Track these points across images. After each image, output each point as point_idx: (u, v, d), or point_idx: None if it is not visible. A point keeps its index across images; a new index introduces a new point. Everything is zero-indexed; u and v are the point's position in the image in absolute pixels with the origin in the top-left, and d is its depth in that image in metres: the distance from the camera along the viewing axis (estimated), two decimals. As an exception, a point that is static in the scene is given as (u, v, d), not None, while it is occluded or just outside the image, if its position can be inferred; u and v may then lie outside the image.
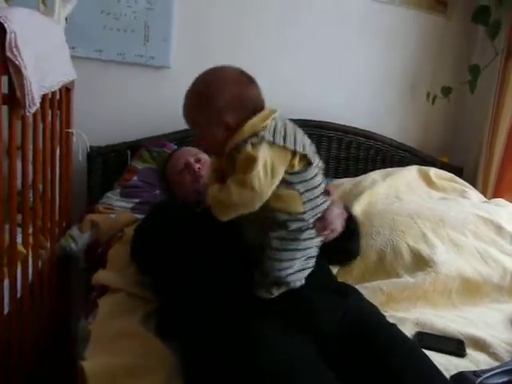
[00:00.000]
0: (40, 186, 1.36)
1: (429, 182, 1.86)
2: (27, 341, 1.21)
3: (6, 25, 0.86)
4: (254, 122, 0.87)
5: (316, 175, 0.95)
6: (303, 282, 0.98)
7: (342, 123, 1.98)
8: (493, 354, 1.17)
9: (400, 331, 1.00)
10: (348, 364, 0.87)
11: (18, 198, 1.29)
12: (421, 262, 1.45)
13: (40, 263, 1.32)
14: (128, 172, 1.64)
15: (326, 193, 0.99)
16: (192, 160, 1.47)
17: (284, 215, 0.92)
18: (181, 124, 1.82)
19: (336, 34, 2.01)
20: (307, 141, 0.95)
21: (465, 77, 2.03)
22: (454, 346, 1.20)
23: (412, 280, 1.41)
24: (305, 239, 0.96)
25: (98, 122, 1.73)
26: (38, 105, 1.00)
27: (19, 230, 1.26)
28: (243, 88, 0.90)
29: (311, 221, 0.95)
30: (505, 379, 1.07)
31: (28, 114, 0.96)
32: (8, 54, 0.88)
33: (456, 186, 1.86)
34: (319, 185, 0.96)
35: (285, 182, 0.90)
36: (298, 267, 0.97)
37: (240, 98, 0.88)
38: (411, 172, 1.87)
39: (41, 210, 1.33)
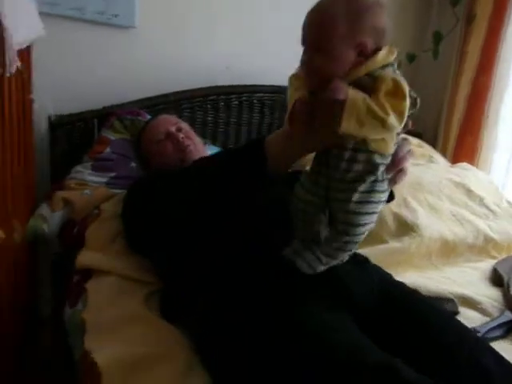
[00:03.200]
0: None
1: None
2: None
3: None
4: (386, 52, 0.80)
5: None
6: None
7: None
8: (482, 310, 1.26)
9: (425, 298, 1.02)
10: (392, 338, 0.87)
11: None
12: (405, 227, 1.50)
13: None
14: (99, 143, 1.50)
15: (405, 127, 0.84)
16: (173, 129, 1.38)
17: (379, 158, 0.82)
18: (151, 90, 1.73)
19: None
20: None
21: (425, 44, 2.06)
22: (450, 305, 1.26)
23: (399, 244, 1.45)
24: (381, 191, 0.84)
25: (59, 87, 1.54)
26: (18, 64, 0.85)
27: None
28: (385, 16, 0.82)
29: None
30: (498, 333, 1.16)
31: (8, 74, 0.81)
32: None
33: (424, 152, 1.92)
34: None
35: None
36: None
37: (384, 25, 0.81)
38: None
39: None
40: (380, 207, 0.85)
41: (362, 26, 0.80)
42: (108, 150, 1.48)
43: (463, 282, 1.39)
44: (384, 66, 0.79)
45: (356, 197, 0.82)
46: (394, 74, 0.79)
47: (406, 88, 0.76)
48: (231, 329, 0.88)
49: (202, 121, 1.76)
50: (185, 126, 1.44)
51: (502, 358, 0.87)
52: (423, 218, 1.53)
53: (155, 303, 1.09)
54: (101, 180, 1.44)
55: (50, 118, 1.49)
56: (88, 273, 1.21)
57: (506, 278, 1.37)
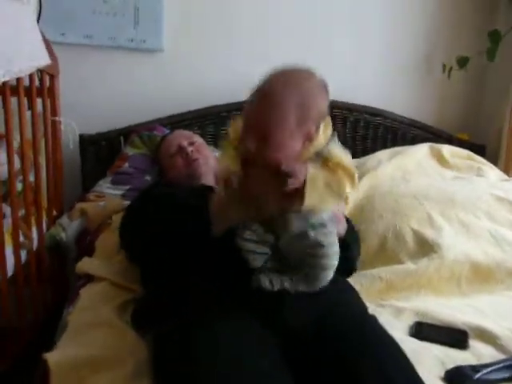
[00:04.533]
0: (30, 175, 1.35)
1: (442, 160, 1.72)
2: (8, 332, 1.20)
3: None
4: (324, 128, 0.86)
5: None
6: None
7: (346, 100, 1.86)
8: (500, 347, 1.05)
9: (375, 335, 0.89)
10: (313, 367, 0.79)
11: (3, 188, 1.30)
12: (425, 247, 1.34)
13: (25, 253, 1.30)
14: (119, 159, 1.61)
15: None
16: (185, 143, 1.42)
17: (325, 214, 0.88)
18: (174, 107, 1.82)
19: (337, 2, 1.87)
20: None
21: (483, 46, 1.85)
22: (456, 337, 1.09)
23: (414, 266, 1.30)
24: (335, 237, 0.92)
25: (91, 109, 1.70)
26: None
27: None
28: (327, 97, 0.88)
29: None
30: (506, 375, 0.96)
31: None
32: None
33: (472, 164, 1.71)
34: None
35: None
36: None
37: (326, 106, 0.87)
38: (422, 150, 1.74)
39: (26, 200, 1.31)
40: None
41: (310, 116, 0.83)
42: (126, 164, 1.58)
43: (489, 313, 1.19)
44: (327, 141, 0.84)
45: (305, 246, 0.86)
46: (337, 146, 0.84)
47: (351, 163, 0.84)
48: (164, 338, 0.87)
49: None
50: (198, 140, 1.48)
51: None
52: (449, 237, 1.35)
53: (129, 310, 1.12)
54: (117, 192, 1.54)
55: (80, 136, 1.64)
56: (90, 278, 1.29)
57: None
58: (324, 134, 0.85)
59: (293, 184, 0.80)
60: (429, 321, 1.15)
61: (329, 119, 0.87)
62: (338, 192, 0.82)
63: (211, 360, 0.74)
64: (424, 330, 1.10)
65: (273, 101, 0.82)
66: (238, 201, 0.87)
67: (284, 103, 0.81)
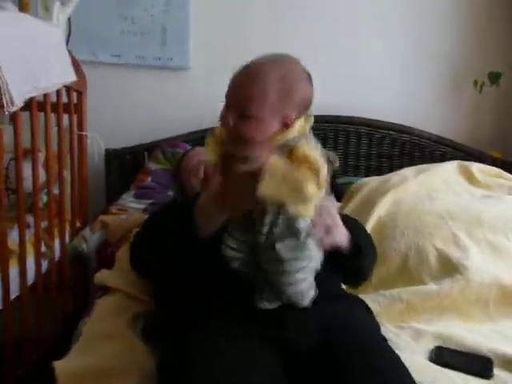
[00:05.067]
0: (54, 188, 1.40)
1: (471, 178, 1.65)
2: (26, 341, 1.23)
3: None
4: (303, 122, 0.85)
5: None
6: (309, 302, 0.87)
7: (372, 117, 1.83)
8: (528, 377, 0.98)
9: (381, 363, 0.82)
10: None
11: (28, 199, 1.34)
12: (449, 268, 1.28)
13: (46, 263, 1.34)
14: (142, 173, 1.64)
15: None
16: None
17: (301, 221, 0.83)
18: (198, 124, 1.85)
19: (364, 15, 1.85)
20: None
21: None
22: (479, 364, 1.02)
23: (436, 287, 1.24)
24: (311, 247, 0.85)
25: (118, 124, 1.75)
26: (19, 105, 1.00)
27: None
28: (312, 89, 0.88)
29: None
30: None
31: (7, 113, 0.97)
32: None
33: (503, 183, 1.63)
34: None
35: None
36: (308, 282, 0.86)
37: (309, 98, 0.86)
38: (450, 167, 1.68)
39: (49, 211, 1.35)
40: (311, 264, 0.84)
41: (292, 101, 0.82)
42: (149, 179, 1.61)
43: (519, 340, 1.11)
44: (300, 136, 0.81)
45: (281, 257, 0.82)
46: (307, 144, 0.81)
47: (318, 158, 0.78)
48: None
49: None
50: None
51: None
52: (475, 258, 1.29)
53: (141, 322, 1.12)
54: (140, 206, 1.56)
55: (106, 150, 1.69)
56: (107, 290, 1.31)
57: None
58: (301, 126, 0.82)
59: (249, 167, 0.78)
60: (451, 346, 1.09)
61: (311, 118, 0.85)
62: (295, 188, 0.76)
63: (209, 378, 0.73)
64: (445, 356, 1.05)
65: (255, 76, 0.83)
66: (219, 199, 0.85)
67: (266, 78, 0.82)
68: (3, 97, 0.96)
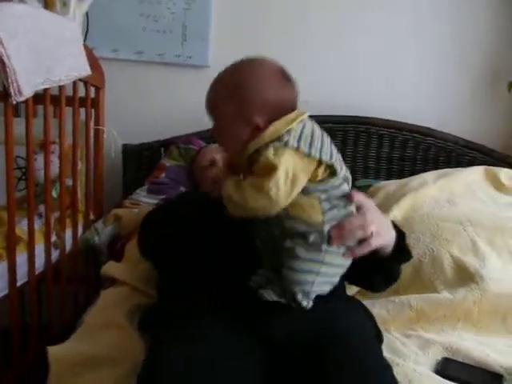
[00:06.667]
0: (66, 180, 1.43)
1: (497, 184, 1.56)
2: (31, 328, 1.25)
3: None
4: (277, 125, 0.79)
5: (340, 185, 0.83)
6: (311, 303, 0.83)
7: (396, 119, 1.77)
8: (542, 396, 0.91)
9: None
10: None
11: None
12: (464, 276, 1.21)
13: (57, 253, 1.36)
14: (157, 169, 1.65)
15: (349, 199, 0.84)
16: (218, 157, 1.43)
17: (302, 225, 0.81)
18: None
19: (390, 14, 1.80)
20: (334, 149, 0.83)
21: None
22: (488, 380, 0.95)
23: (449, 296, 1.17)
24: (328, 253, 0.82)
25: (137, 120, 1.78)
26: (27, 95, 1.02)
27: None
28: (281, 89, 0.82)
29: None
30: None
31: (14, 102, 0.99)
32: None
33: (529, 190, 1.53)
34: (343, 195, 0.83)
35: (305, 190, 0.80)
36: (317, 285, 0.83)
37: (276, 99, 0.81)
38: (475, 173, 1.59)
39: (62, 202, 1.38)
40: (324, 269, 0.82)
41: (249, 104, 0.79)
42: (163, 175, 1.61)
43: (536, 357, 1.03)
44: (277, 139, 0.77)
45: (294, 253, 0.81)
46: (274, 150, 0.76)
47: (284, 167, 0.75)
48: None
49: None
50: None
51: None
52: (494, 268, 1.21)
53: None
54: (152, 201, 1.57)
55: (124, 146, 1.71)
56: (113, 282, 1.32)
57: None
58: (270, 132, 0.77)
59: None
60: (460, 358, 1.02)
61: (291, 117, 0.79)
62: (243, 206, 0.77)
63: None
64: (451, 368, 0.98)
65: (210, 86, 0.85)
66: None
67: (219, 91, 0.83)
68: (10, 86, 0.98)
